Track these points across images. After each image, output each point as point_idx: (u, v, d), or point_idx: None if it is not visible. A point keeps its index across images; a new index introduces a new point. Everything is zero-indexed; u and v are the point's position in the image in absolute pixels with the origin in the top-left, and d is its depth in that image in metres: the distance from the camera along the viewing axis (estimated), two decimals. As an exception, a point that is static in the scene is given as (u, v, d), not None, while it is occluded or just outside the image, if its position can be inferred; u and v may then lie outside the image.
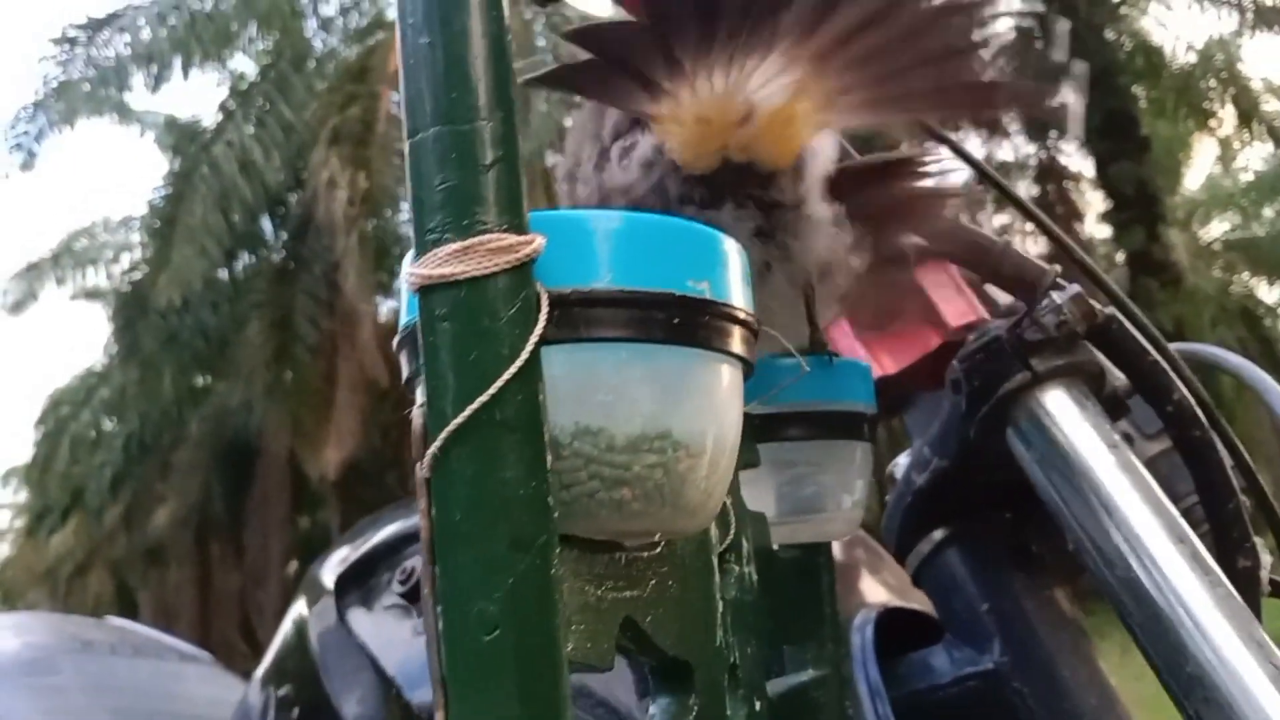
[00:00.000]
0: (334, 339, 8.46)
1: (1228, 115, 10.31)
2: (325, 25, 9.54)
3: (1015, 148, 9.56)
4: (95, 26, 8.56)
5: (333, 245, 8.06)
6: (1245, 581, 0.63)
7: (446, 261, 0.31)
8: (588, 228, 0.34)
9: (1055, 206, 9.00)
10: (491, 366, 0.30)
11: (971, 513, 0.78)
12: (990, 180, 0.81)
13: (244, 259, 9.48)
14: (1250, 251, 11.46)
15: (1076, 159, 9.46)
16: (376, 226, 8.56)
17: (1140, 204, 9.15)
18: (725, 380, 0.35)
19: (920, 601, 0.90)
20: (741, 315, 0.35)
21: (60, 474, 10.42)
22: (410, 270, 0.31)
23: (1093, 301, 0.67)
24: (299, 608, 1.03)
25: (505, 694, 0.30)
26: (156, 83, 8.67)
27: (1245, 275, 11.53)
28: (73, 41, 8.58)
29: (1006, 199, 0.81)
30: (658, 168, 0.46)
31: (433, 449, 0.31)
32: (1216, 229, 12.35)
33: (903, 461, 0.83)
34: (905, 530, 0.80)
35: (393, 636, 0.83)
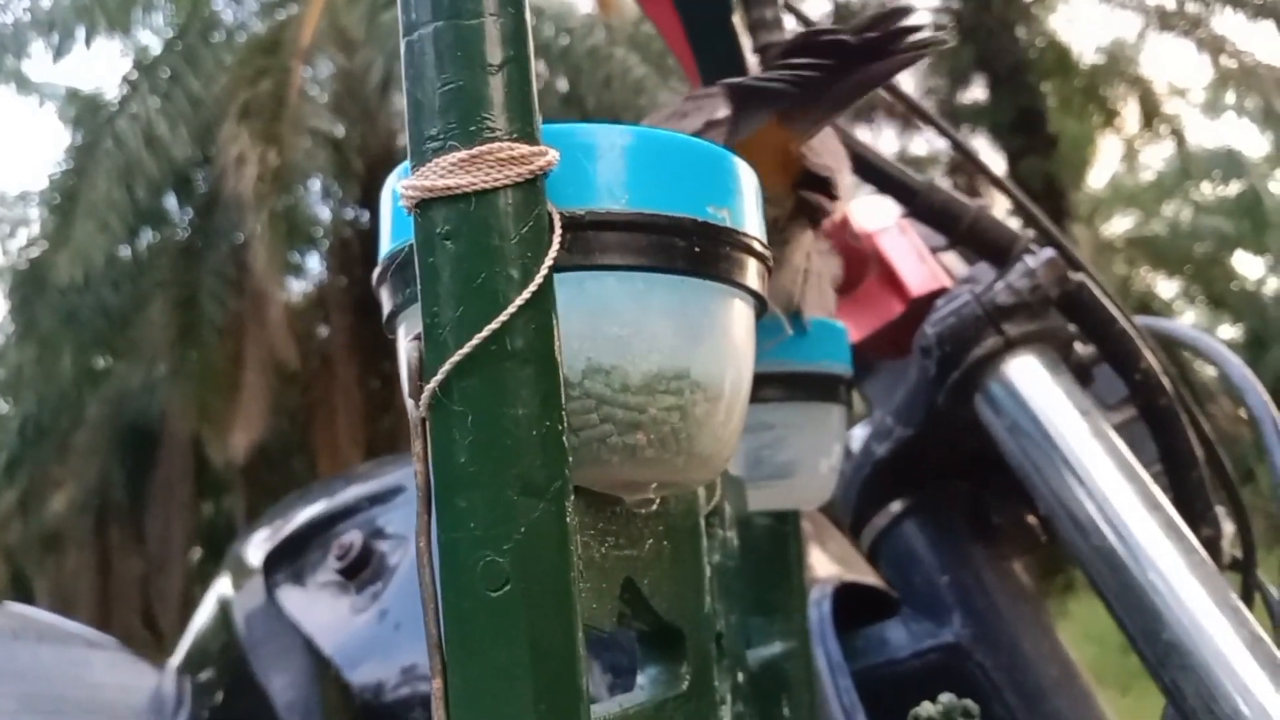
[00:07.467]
0: (241, 320, 8.22)
1: (1131, 115, 10.61)
2: (236, -4, 9.27)
3: (928, 141, 9.71)
4: (-8, -10, 8.20)
5: (241, 223, 7.84)
6: (1207, 551, 0.62)
7: (451, 171, 0.27)
8: (600, 143, 0.30)
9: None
10: (501, 291, 0.27)
11: (930, 484, 0.77)
12: (956, 145, 0.79)
13: (148, 236, 9.17)
14: (1150, 248, 11.81)
15: (987, 154, 9.63)
16: (288, 206, 8.34)
17: (1047, 199, 9.34)
18: (744, 319, 0.32)
19: (865, 574, 0.89)
20: (760, 248, 0.32)
21: (-49, 457, 10.00)
22: (406, 183, 0.28)
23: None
24: (221, 588, 0.98)
25: (515, 656, 0.26)
26: (58, 52, 8.34)
27: (1144, 271, 11.88)
28: (-33, 5, 8.21)
29: (975, 167, 0.79)
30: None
31: (433, 383, 0.27)
32: (1119, 225, 12.72)
33: (858, 433, 0.81)
34: (862, 502, 0.78)
35: (328, 615, 0.78)
